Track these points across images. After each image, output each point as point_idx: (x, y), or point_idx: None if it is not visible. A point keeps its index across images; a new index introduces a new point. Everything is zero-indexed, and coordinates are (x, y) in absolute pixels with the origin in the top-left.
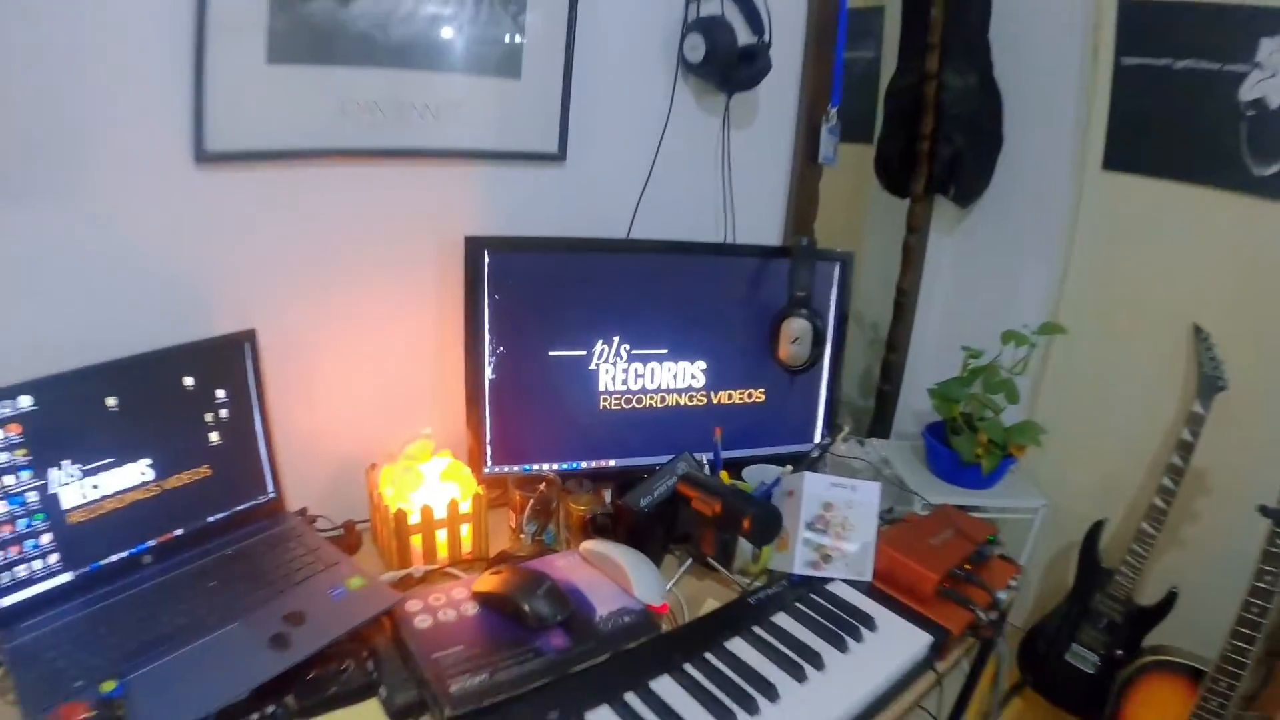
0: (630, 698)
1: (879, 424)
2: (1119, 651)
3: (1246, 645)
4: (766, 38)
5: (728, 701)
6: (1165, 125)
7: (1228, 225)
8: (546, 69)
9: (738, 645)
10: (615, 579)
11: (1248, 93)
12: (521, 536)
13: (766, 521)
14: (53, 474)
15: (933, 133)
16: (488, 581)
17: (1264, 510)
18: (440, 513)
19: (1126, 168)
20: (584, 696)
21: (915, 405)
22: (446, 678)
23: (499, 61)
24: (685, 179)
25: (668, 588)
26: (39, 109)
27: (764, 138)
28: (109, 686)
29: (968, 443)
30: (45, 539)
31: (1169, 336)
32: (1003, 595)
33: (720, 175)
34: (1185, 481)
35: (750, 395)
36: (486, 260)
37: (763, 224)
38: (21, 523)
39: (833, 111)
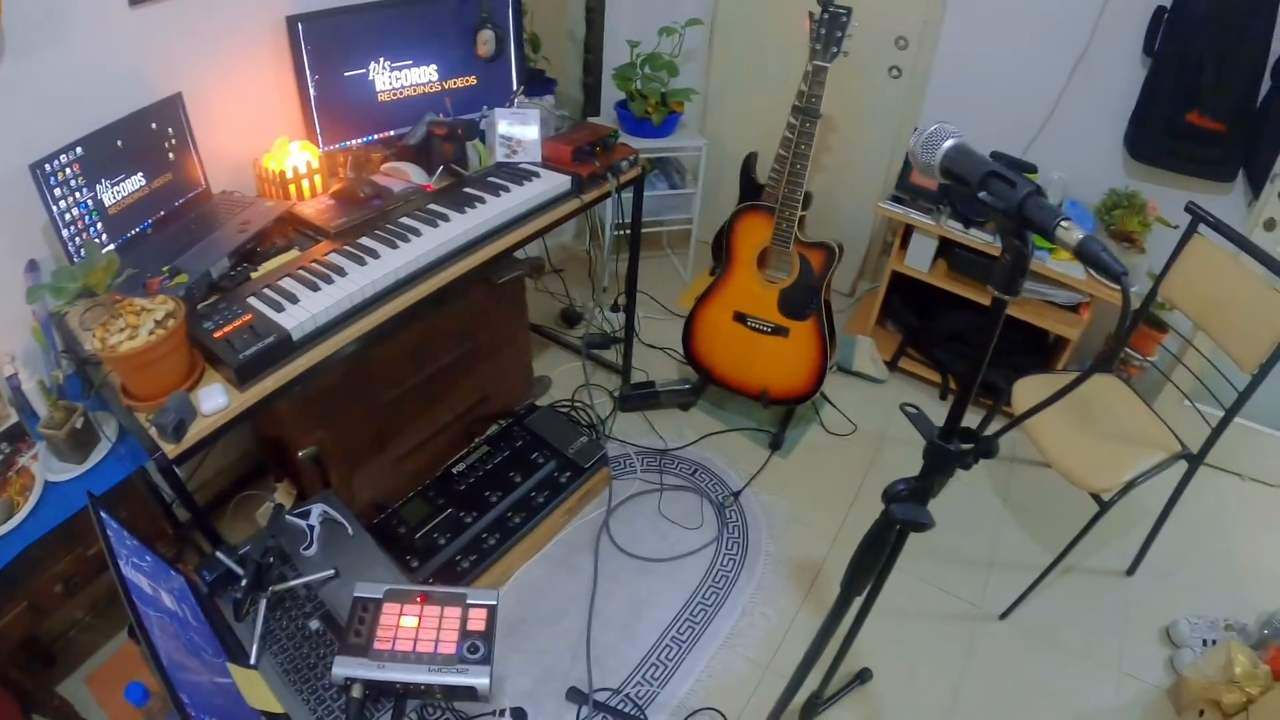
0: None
1: (589, 107)
2: None
3: (794, 189)
4: None
5: (434, 215)
6: None
7: None
8: None
9: (464, 194)
10: (406, 178)
11: None
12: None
13: (468, 133)
14: (99, 188)
15: None
16: (336, 187)
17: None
18: (303, 170)
19: None
20: (393, 220)
21: (614, 93)
22: (329, 225)
23: None
24: None
25: (432, 178)
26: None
27: None
28: (166, 269)
29: (639, 104)
30: (99, 224)
31: (798, 23)
32: (623, 164)
33: None
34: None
35: (467, 81)
36: (300, 29)
37: None
38: (85, 216)
39: None
